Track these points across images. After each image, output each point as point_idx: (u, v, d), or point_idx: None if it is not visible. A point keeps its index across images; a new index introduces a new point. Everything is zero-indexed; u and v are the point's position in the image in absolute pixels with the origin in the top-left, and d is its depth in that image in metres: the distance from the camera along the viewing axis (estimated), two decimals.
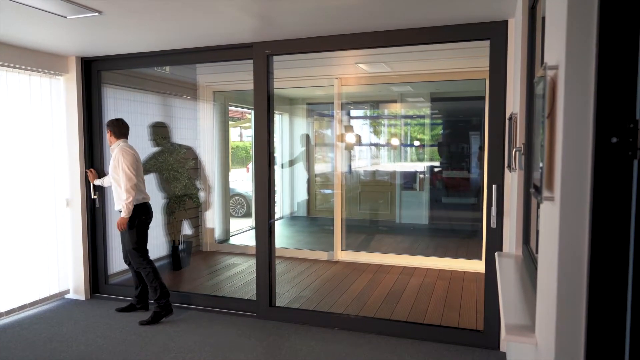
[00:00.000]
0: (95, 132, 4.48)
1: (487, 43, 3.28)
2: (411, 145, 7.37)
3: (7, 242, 4.00)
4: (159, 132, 5.34)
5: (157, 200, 5.34)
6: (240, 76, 3.96)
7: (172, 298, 4.31)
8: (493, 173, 3.33)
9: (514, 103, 2.96)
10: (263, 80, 3.84)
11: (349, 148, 7.02)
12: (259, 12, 3.00)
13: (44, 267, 4.31)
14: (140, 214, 3.92)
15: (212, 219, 6.40)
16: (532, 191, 1.62)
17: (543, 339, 1.49)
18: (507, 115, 3.19)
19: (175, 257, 5.49)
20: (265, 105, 3.85)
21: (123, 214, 3.82)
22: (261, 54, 3.80)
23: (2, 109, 3.92)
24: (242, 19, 3.16)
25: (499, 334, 3.36)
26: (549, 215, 1.45)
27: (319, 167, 7.86)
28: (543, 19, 2.15)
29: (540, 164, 1.45)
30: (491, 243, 3.35)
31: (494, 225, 3.30)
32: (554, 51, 1.41)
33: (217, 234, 6.52)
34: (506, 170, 3.25)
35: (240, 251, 6.22)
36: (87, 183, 4.47)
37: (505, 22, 3.19)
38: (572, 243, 1.24)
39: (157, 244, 5.40)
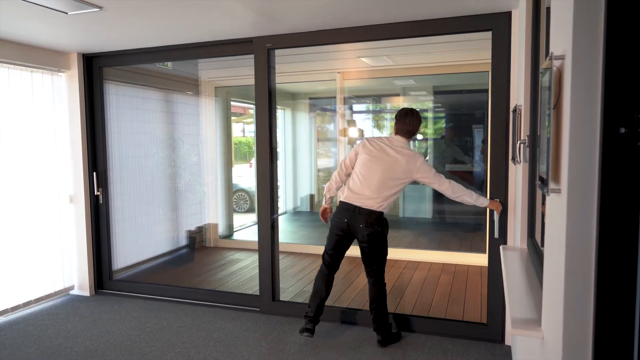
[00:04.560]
0: (97, 128, 4.47)
1: (489, 35, 3.25)
2: (414, 139, 7.34)
3: (12, 239, 4.00)
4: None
5: (159, 197, 5.34)
6: (242, 71, 3.95)
7: (176, 293, 4.33)
8: (495, 166, 3.31)
9: (518, 95, 2.94)
10: (264, 75, 3.82)
11: (352, 143, 6.99)
12: (260, 7, 2.98)
13: (49, 264, 4.32)
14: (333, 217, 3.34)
15: (216, 214, 6.41)
16: (537, 183, 1.60)
17: (550, 332, 1.48)
18: (511, 108, 3.17)
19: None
20: (266, 100, 3.84)
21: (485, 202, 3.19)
22: (262, 49, 3.78)
23: (5, 107, 3.92)
24: (243, 14, 3.13)
25: (503, 327, 3.36)
26: (555, 207, 1.44)
27: (322, 162, 7.84)
28: (547, 9, 2.12)
29: (546, 156, 1.43)
30: (494, 235, 3.34)
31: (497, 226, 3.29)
32: (560, 41, 1.39)
33: (221, 229, 6.53)
34: (510, 162, 3.22)
35: (244, 246, 6.22)
36: (91, 179, 4.47)
37: (508, 14, 3.15)
38: (579, 235, 1.23)
39: (160, 240, 5.41)
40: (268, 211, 3.90)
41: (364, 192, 3.18)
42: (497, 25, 3.19)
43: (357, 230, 3.19)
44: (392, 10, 3.10)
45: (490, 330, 3.40)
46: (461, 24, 3.26)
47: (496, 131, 3.29)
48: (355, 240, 3.30)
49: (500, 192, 3.30)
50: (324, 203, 3.50)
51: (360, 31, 3.48)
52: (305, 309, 3.40)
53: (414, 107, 3.91)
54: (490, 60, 3.28)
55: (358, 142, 7.22)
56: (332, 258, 3.33)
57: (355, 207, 3.18)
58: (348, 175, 3.40)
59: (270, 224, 3.91)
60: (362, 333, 3.53)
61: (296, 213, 7.90)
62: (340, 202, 3.28)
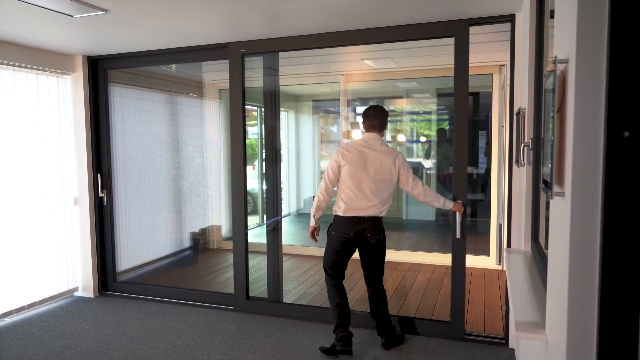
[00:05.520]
0: (102, 130, 4.49)
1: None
2: (417, 141, 7.34)
3: (16, 241, 4.02)
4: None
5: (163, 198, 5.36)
6: (245, 73, 3.99)
7: (173, 294, 4.34)
8: (458, 168, 3.34)
9: (522, 97, 2.94)
10: (238, 79, 3.94)
11: None
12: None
13: (53, 265, 4.34)
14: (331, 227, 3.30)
15: (219, 216, 6.42)
16: (541, 187, 1.60)
17: (554, 335, 1.48)
18: (515, 110, 3.17)
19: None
20: (240, 103, 3.98)
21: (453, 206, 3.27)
22: (236, 54, 3.88)
23: (11, 109, 3.95)
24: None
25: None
26: (559, 211, 1.44)
27: (325, 164, 7.85)
28: (551, 11, 2.12)
29: (550, 159, 1.43)
30: (456, 236, 3.43)
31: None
32: (564, 44, 1.39)
33: (224, 231, 6.53)
34: (514, 165, 3.22)
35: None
36: (95, 181, 4.49)
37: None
38: (583, 239, 1.23)
39: (164, 242, 5.43)
40: (242, 211, 4.00)
41: (362, 203, 3.15)
42: (459, 31, 3.24)
43: (362, 239, 3.18)
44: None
45: (453, 328, 3.47)
46: (424, 31, 3.31)
47: (459, 134, 3.31)
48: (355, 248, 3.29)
49: (463, 194, 3.35)
50: (312, 223, 3.41)
51: (336, 36, 3.54)
52: (282, 307, 3.34)
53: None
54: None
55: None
56: (335, 271, 3.29)
57: (358, 218, 3.16)
58: (333, 187, 3.32)
59: (243, 226, 4.01)
60: (365, 335, 3.52)
61: (299, 215, 7.91)
62: (339, 216, 3.21)
